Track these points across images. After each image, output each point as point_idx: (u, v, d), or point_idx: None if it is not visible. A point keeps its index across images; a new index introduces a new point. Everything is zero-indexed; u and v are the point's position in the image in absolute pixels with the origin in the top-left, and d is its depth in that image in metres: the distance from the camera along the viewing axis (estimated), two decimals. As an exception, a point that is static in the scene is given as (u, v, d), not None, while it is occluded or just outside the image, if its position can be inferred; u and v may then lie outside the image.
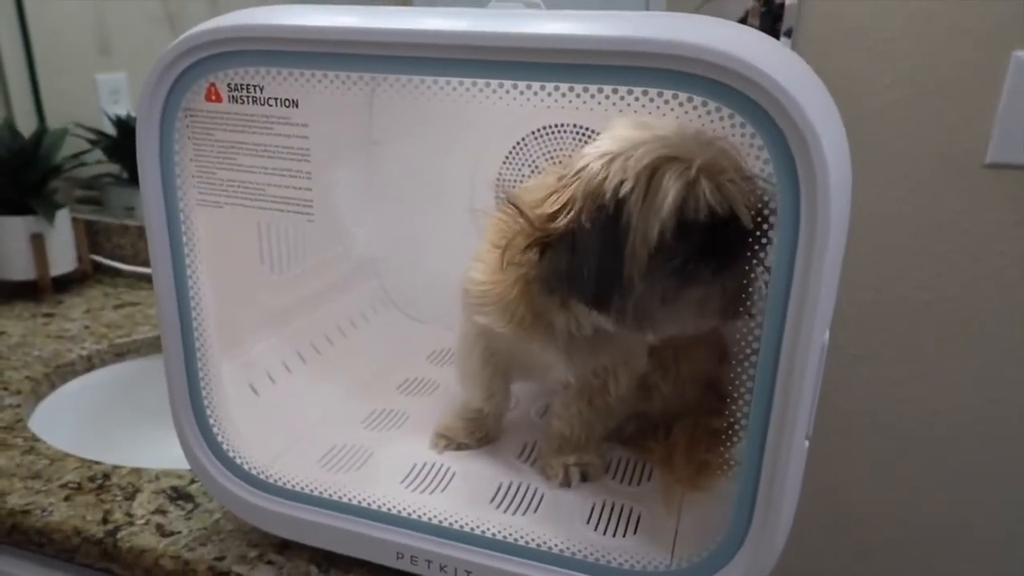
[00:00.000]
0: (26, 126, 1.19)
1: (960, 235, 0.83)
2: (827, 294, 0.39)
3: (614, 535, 0.56)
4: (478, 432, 0.67)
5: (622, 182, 0.46)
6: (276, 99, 0.46)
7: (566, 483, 0.61)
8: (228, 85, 0.46)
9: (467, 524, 0.54)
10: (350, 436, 0.68)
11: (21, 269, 1.10)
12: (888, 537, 0.97)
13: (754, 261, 0.42)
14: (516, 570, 0.52)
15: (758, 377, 0.41)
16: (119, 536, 0.62)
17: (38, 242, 1.09)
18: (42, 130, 1.13)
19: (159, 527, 0.64)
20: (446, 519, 0.54)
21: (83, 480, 0.70)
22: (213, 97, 0.47)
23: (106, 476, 0.71)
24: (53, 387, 0.92)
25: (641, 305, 0.47)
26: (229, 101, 0.47)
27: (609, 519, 0.58)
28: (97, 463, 0.73)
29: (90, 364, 0.97)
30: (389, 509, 0.56)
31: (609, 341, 0.56)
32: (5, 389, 0.87)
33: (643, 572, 0.50)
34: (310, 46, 0.43)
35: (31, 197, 1.08)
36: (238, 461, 0.58)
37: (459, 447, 0.66)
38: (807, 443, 0.43)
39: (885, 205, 0.84)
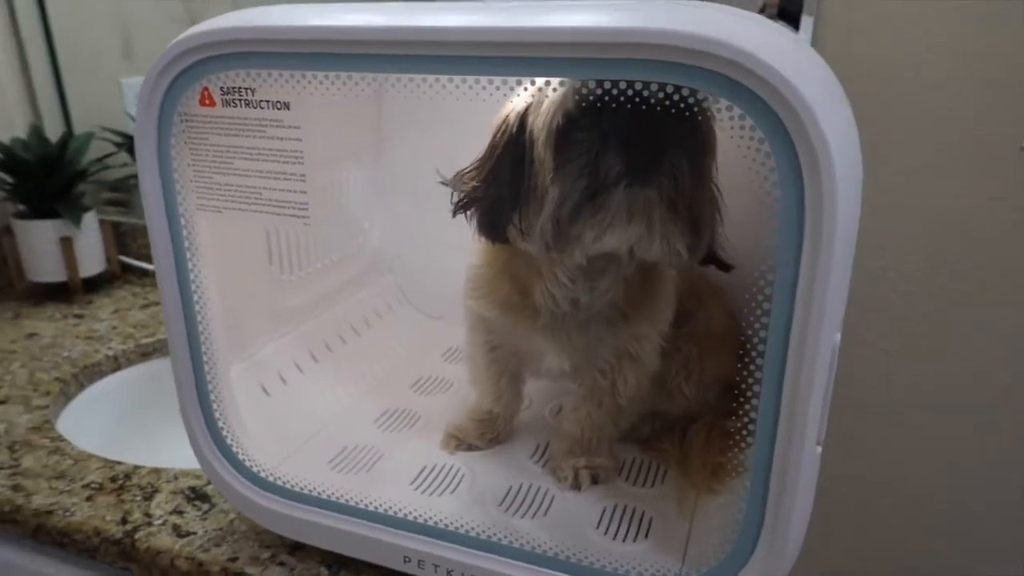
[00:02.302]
0: (53, 130, 1.22)
1: (999, 221, 0.79)
2: (836, 296, 0.37)
3: (624, 540, 0.55)
4: (489, 433, 0.66)
5: (528, 106, 0.45)
6: (268, 102, 0.45)
7: (576, 486, 0.60)
8: (221, 88, 0.46)
9: (474, 528, 0.53)
10: (361, 437, 0.68)
11: (52, 271, 1.13)
12: (894, 528, 0.93)
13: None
14: (522, 576, 0.51)
15: (764, 381, 0.40)
16: (137, 536, 0.63)
17: (67, 245, 1.12)
18: (68, 135, 1.15)
19: (175, 527, 0.64)
20: (453, 523, 0.54)
21: (105, 480, 0.71)
22: (207, 101, 0.47)
23: (127, 476, 0.72)
24: (82, 387, 0.94)
25: (554, 219, 0.44)
26: (222, 105, 0.46)
27: (620, 523, 0.56)
28: (119, 463, 0.74)
29: (116, 364, 0.98)
30: (396, 512, 0.55)
31: (592, 320, 0.55)
32: (35, 391, 0.89)
33: (652, 579, 0.49)
34: (298, 47, 0.42)
35: (58, 201, 1.11)
36: (247, 463, 0.59)
37: (470, 448, 0.66)
38: (819, 449, 0.41)
39: (916, 193, 0.80)
